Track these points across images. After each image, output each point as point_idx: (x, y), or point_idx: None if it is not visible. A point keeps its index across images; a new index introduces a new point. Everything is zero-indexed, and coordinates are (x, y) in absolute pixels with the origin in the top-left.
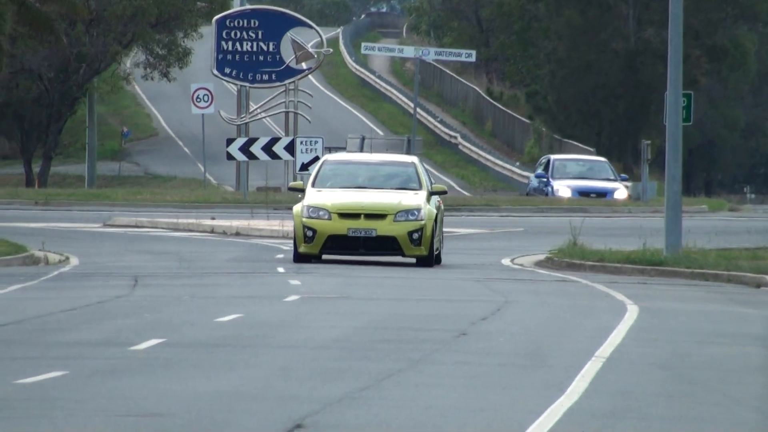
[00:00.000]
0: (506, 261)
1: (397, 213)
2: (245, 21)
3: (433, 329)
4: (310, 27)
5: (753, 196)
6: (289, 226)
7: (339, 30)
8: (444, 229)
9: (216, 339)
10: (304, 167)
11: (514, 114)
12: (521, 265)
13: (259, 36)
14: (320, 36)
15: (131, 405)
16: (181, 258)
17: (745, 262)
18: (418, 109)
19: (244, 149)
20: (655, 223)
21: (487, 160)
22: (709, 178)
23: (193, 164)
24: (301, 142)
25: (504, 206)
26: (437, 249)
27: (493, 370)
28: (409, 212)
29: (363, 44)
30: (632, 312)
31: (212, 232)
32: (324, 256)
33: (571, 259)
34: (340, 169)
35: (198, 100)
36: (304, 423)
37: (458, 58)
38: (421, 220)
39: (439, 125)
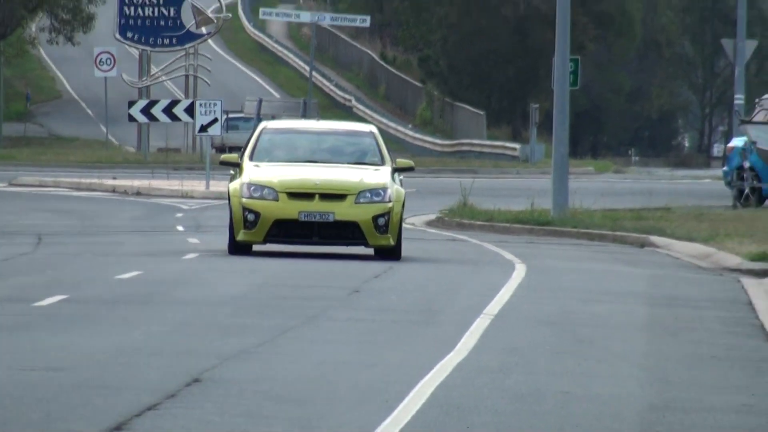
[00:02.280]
0: None
1: (360, 193)
2: None
3: (327, 286)
4: None
5: (637, 158)
6: (189, 185)
7: None
8: None
9: (117, 296)
10: (203, 129)
11: (407, 78)
12: (413, 224)
13: (160, 2)
14: (219, 2)
15: (35, 359)
16: (83, 217)
17: (630, 222)
18: (314, 73)
19: (146, 111)
20: (543, 184)
21: (381, 122)
22: (595, 141)
23: (96, 126)
24: (201, 105)
25: None
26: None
27: (386, 326)
28: (374, 192)
29: (261, 10)
30: (520, 270)
31: (114, 191)
32: (268, 245)
33: (461, 219)
34: (282, 140)
35: (101, 63)
36: (202, 377)
37: (353, 24)
38: (388, 202)
39: (334, 89)
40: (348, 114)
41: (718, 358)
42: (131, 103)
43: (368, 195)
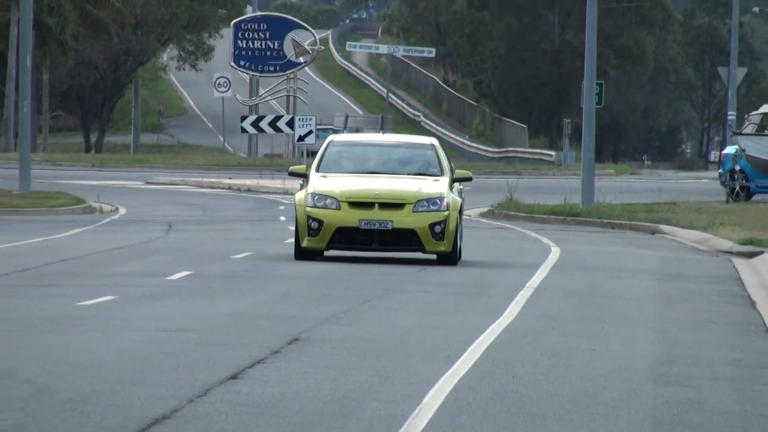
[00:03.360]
0: None
1: (417, 202)
2: (256, 24)
3: (400, 265)
4: (306, 29)
5: (649, 162)
6: (289, 184)
7: (329, 32)
8: None
9: (232, 271)
10: (301, 138)
11: (464, 98)
12: (469, 216)
13: (267, 36)
14: (314, 36)
15: (166, 322)
16: (205, 209)
17: (643, 214)
18: (390, 94)
19: (255, 124)
20: (573, 183)
21: (443, 134)
22: (615, 149)
23: (215, 136)
24: (299, 119)
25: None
26: (459, 244)
27: (447, 297)
28: (431, 201)
29: (347, 43)
30: (555, 252)
31: (229, 188)
32: (330, 251)
33: (507, 211)
34: (347, 152)
35: (219, 85)
36: (300, 337)
37: (421, 54)
38: (445, 210)
39: (406, 107)
40: (417, 127)
41: (714, 322)
42: (243, 118)
43: (425, 204)
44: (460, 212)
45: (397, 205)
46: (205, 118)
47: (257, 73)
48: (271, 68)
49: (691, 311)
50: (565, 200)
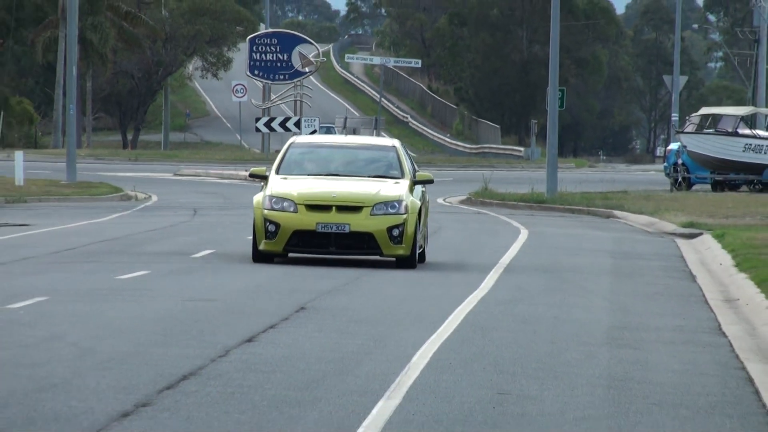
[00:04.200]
0: (440, 200)
1: (375, 205)
2: (268, 39)
3: None
4: (311, 43)
5: (604, 157)
6: None
7: (330, 45)
8: None
9: (247, 251)
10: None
11: (446, 102)
12: (450, 203)
13: (277, 49)
14: (317, 49)
15: (191, 293)
16: (225, 197)
17: (599, 201)
18: (382, 99)
19: (267, 124)
20: (539, 175)
21: (428, 133)
22: (575, 145)
23: (233, 134)
24: (305, 120)
25: (439, 163)
26: (421, 246)
27: (431, 273)
28: (389, 204)
29: (346, 55)
30: (524, 234)
31: (245, 179)
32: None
33: (483, 198)
34: (309, 154)
35: (236, 92)
36: (306, 306)
37: (409, 65)
38: (402, 213)
39: (396, 110)
40: (405, 128)
41: (660, 294)
42: (257, 119)
43: (383, 207)
44: (421, 215)
45: (354, 208)
46: (224, 120)
47: (269, 81)
48: (281, 77)
49: (641, 284)
50: (533, 189)
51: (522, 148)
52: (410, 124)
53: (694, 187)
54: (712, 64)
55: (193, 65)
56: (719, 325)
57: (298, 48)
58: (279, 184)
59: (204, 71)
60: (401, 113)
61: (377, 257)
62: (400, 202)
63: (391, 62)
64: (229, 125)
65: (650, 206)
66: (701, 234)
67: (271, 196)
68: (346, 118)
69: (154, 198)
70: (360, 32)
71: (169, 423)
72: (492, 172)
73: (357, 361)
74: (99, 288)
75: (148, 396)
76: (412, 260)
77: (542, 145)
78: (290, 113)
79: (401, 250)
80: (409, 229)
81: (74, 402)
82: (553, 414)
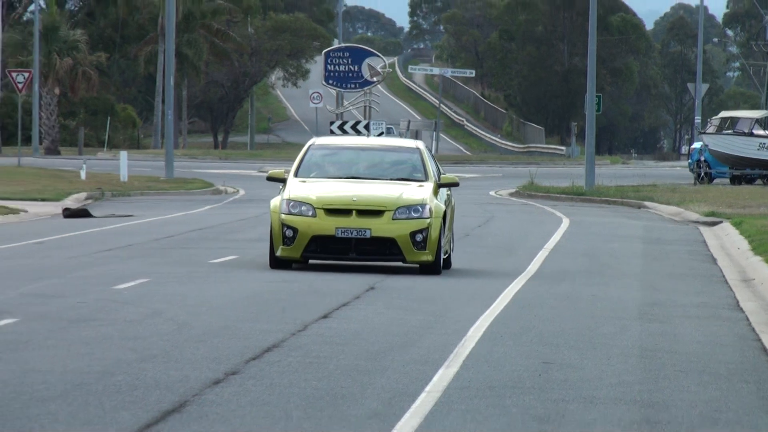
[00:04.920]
0: (492, 193)
1: (397, 209)
2: (341, 53)
3: None
4: (378, 56)
5: (636, 155)
6: None
7: (395, 58)
8: (455, 174)
9: None
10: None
11: (497, 107)
12: (500, 195)
13: (349, 62)
14: (384, 61)
15: (274, 275)
16: None
17: (632, 193)
18: (441, 104)
19: (340, 127)
20: (579, 170)
21: (481, 134)
22: (610, 145)
23: (310, 136)
24: (373, 123)
25: (490, 161)
26: (446, 252)
27: (485, 255)
28: (412, 208)
29: (409, 66)
30: (566, 223)
31: None
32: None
33: (529, 191)
34: (329, 156)
35: (313, 99)
36: (375, 286)
37: (464, 74)
38: (426, 217)
39: (453, 114)
40: (461, 129)
41: (685, 274)
42: (331, 123)
43: (406, 211)
44: (446, 219)
45: (375, 212)
46: (303, 123)
47: (342, 89)
48: (352, 86)
49: (668, 266)
50: (573, 183)
51: (564, 147)
52: (465, 126)
53: (715, 181)
54: (730, 74)
55: (276, 75)
56: (737, 302)
57: (367, 60)
58: (297, 188)
59: (285, 81)
60: (457, 117)
61: (400, 263)
62: (423, 205)
63: (448, 72)
64: (306, 128)
65: (676, 198)
66: (721, 222)
67: (289, 200)
68: (409, 121)
69: (242, 192)
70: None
71: (255, 389)
72: (537, 168)
73: (419, 335)
74: (194, 270)
75: (237, 366)
76: (436, 266)
77: (581, 145)
78: (360, 117)
79: (425, 256)
80: (434, 233)
81: (172, 371)
82: (591, 380)
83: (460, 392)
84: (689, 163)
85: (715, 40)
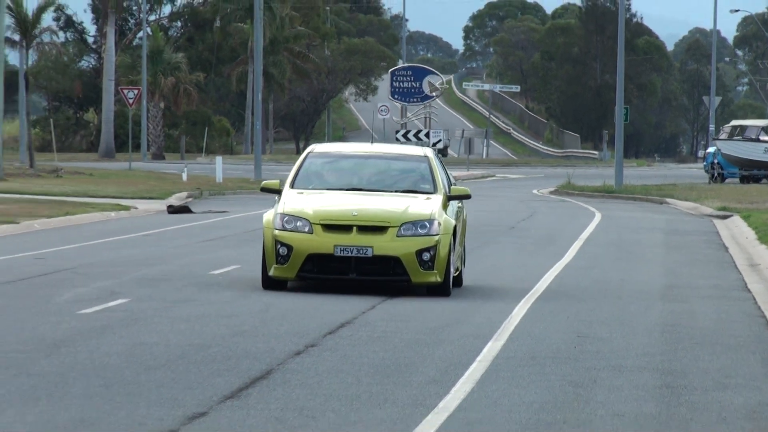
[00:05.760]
0: (535, 191)
1: (402, 225)
2: (405, 71)
3: (497, 225)
4: (437, 74)
5: (658, 158)
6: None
7: (451, 76)
8: (503, 175)
9: None
10: (434, 145)
11: (539, 117)
12: (542, 193)
13: (412, 79)
14: (442, 79)
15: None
16: None
17: (655, 191)
18: (491, 115)
19: (404, 135)
20: (610, 172)
21: (525, 141)
22: (637, 149)
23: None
24: (432, 132)
25: (533, 164)
26: (457, 269)
27: (528, 246)
28: (418, 224)
29: (463, 83)
30: (598, 216)
31: None
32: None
33: (566, 190)
34: (328, 165)
35: (381, 111)
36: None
37: (510, 90)
38: (434, 234)
39: (501, 123)
40: (508, 137)
41: (700, 261)
42: (396, 131)
43: (412, 227)
44: (456, 234)
45: (378, 229)
46: (372, 132)
47: (406, 103)
48: (415, 100)
49: (686, 254)
50: (604, 183)
51: (596, 152)
52: (512, 134)
53: (727, 181)
54: (740, 88)
55: (349, 91)
56: (745, 284)
57: (427, 78)
58: (293, 201)
59: (357, 96)
60: (505, 126)
61: (405, 284)
62: (431, 221)
63: (497, 88)
64: (375, 136)
65: (693, 195)
66: (732, 215)
67: (283, 215)
68: (463, 130)
69: None
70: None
71: (330, 359)
72: (573, 170)
73: (471, 313)
74: None
75: (315, 339)
76: (445, 288)
77: (612, 149)
78: (421, 127)
79: (433, 277)
80: (442, 252)
81: (259, 344)
82: (619, 351)
83: (506, 362)
84: (704, 165)
85: (727, 59)
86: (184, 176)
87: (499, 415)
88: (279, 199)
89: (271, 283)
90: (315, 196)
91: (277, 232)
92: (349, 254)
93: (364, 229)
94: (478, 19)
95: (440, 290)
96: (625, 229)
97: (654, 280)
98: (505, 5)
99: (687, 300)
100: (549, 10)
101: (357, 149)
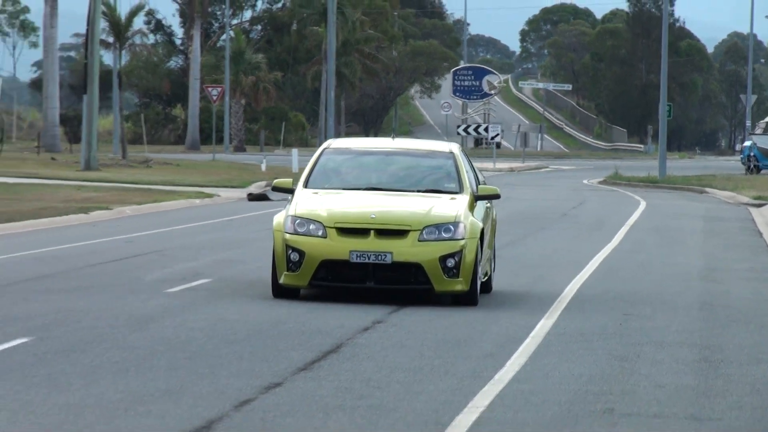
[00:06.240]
0: (585, 181)
1: (425, 228)
2: (465, 71)
3: (549, 213)
4: (495, 74)
5: (699, 151)
6: (482, 165)
7: (509, 75)
8: (555, 167)
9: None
10: (493, 138)
11: (589, 114)
12: (591, 183)
13: (472, 78)
14: (500, 78)
15: None
16: None
17: (695, 181)
18: (545, 111)
19: (465, 129)
20: (654, 164)
21: (577, 135)
22: (679, 143)
23: (441, 137)
24: (491, 126)
25: (584, 156)
26: (486, 274)
27: (579, 231)
28: (442, 227)
29: (519, 82)
30: (642, 204)
31: None
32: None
33: (614, 180)
34: (345, 162)
35: (444, 107)
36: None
37: (563, 88)
38: (459, 238)
39: (554, 119)
40: (561, 132)
41: (737, 245)
42: (458, 126)
43: (435, 231)
44: (483, 238)
45: (398, 233)
46: (436, 127)
47: (466, 100)
48: (475, 97)
49: (723, 239)
50: (649, 174)
51: (642, 145)
52: (564, 129)
53: (762, 172)
54: None
55: (414, 89)
56: None
57: (487, 77)
58: (305, 201)
59: (422, 93)
60: (558, 121)
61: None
62: (456, 224)
63: (551, 86)
64: (438, 131)
65: (731, 185)
66: (767, 204)
67: (295, 217)
68: (519, 125)
69: None
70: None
71: (396, 334)
72: (621, 162)
73: (525, 293)
74: None
75: (382, 316)
76: (471, 297)
77: (656, 143)
78: (481, 122)
79: (458, 285)
80: (468, 257)
81: (330, 321)
82: (661, 328)
83: (557, 337)
84: (741, 158)
85: (762, 60)
86: (263, 167)
87: (550, 386)
88: (291, 199)
89: (282, 292)
90: (330, 197)
91: (288, 236)
92: (367, 260)
93: (383, 233)
94: (533, 23)
95: (466, 299)
96: (668, 216)
97: (693, 263)
98: (558, 11)
99: (724, 281)
100: (599, 15)
101: (377, 145)
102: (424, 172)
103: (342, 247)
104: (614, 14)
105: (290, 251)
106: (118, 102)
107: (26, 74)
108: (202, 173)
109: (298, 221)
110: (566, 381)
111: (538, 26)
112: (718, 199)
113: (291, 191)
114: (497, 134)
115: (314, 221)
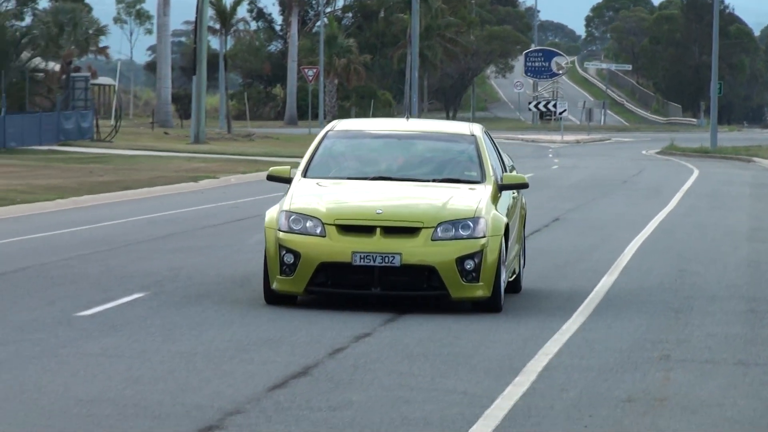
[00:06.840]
0: (643, 152)
1: (439, 225)
2: (536, 53)
3: (612, 180)
4: (563, 55)
5: (747, 125)
6: (551, 138)
7: (575, 57)
8: (617, 139)
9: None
10: (560, 113)
11: (648, 91)
12: (649, 153)
13: (542, 59)
14: (567, 59)
15: None
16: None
17: (743, 151)
18: (607, 89)
19: (535, 106)
20: (706, 135)
21: (636, 111)
22: (728, 118)
23: (514, 113)
24: (559, 103)
25: (643, 129)
26: (514, 273)
27: (638, 196)
28: (459, 224)
29: (585, 63)
30: (696, 173)
31: (521, 141)
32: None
33: (670, 150)
34: (350, 146)
35: (516, 86)
36: (559, 217)
37: (624, 68)
38: (479, 236)
39: (616, 96)
40: (622, 108)
41: None
42: (529, 103)
43: (451, 228)
44: (508, 234)
45: (408, 230)
46: (509, 103)
47: (537, 79)
48: (544, 76)
49: None
50: (701, 145)
51: (695, 119)
52: (625, 105)
53: None
54: None
55: (490, 70)
56: None
57: (555, 59)
58: (303, 194)
59: (496, 73)
60: (619, 98)
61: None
62: (476, 219)
63: (613, 67)
64: (512, 107)
65: None
66: None
67: (289, 212)
68: (584, 102)
69: None
70: (594, 48)
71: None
72: (676, 134)
73: (590, 252)
74: None
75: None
76: (494, 303)
77: (707, 118)
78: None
79: (479, 291)
80: (490, 258)
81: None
82: (712, 283)
83: (619, 293)
84: None
85: None
86: None
87: (612, 335)
88: (287, 191)
89: (275, 299)
90: (331, 188)
91: (281, 234)
92: (372, 263)
93: (391, 230)
94: (597, 10)
95: (488, 306)
96: (718, 182)
97: (741, 225)
98: None
99: None
100: (656, 2)
101: (388, 126)
102: (440, 159)
103: (343, 248)
104: (670, 2)
105: (284, 252)
106: (223, 82)
107: (142, 57)
108: (300, 146)
109: (292, 217)
110: (626, 330)
111: (601, 13)
112: (764, 167)
113: (288, 181)
114: (564, 110)
115: (311, 217)
